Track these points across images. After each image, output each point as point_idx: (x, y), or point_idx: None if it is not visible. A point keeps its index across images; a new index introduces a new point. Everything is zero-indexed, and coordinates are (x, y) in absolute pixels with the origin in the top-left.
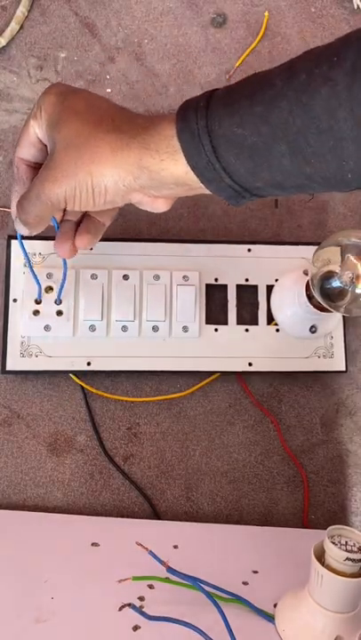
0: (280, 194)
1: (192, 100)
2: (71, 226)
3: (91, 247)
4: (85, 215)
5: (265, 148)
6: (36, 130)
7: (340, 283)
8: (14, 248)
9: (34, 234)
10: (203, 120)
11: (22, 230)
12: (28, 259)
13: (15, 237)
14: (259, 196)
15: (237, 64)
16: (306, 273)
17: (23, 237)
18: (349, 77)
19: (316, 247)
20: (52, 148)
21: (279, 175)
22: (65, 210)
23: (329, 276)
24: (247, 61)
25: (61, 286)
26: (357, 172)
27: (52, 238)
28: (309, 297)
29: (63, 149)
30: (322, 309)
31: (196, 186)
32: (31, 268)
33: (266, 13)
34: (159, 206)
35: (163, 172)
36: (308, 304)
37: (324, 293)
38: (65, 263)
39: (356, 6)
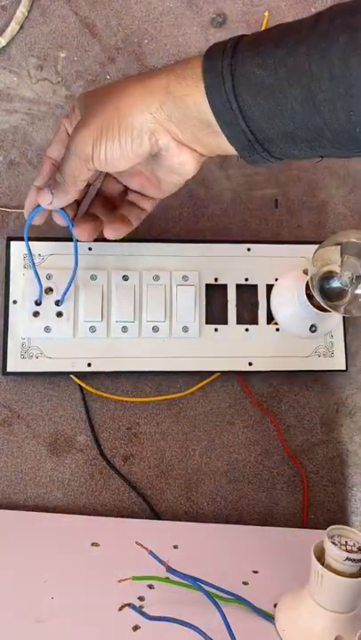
0: (292, 151)
1: (221, 42)
2: (97, 206)
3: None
4: (125, 201)
5: (280, 90)
6: (67, 126)
7: (340, 283)
8: (14, 249)
9: (66, 203)
10: (228, 59)
11: (56, 201)
12: (32, 259)
13: (15, 239)
14: (271, 156)
15: None
16: (306, 272)
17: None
18: None
19: (315, 247)
20: (85, 110)
21: (291, 123)
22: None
23: (329, 276)
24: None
25: (68, 287)
26: None
27: (52, 239)
28: (309, 296)
29: (93, 100)
30: (322, 309)
31: (215, 128)
32: (34, 267)
33: (266, 13)
34: (185, 160)
35: (187, 99)
36: (308, 304)
37: (323, 293)
38: (76, 263)
39: None
